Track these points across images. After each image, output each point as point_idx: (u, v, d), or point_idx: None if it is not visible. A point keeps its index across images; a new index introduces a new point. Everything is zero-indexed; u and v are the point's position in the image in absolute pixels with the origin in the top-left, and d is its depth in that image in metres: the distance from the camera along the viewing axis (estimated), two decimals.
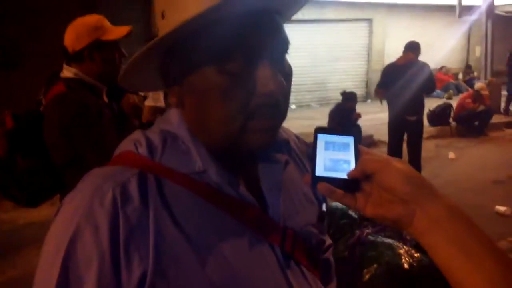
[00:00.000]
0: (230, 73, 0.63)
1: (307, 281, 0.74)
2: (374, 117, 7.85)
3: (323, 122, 7.62)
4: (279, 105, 0.66)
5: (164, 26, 0.65)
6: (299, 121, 9.31)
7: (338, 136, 0.66)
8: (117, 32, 1.99)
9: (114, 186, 0.61)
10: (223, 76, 0.63)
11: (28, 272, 3.28)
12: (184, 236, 0.63)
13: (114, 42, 2.00)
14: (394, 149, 5.58)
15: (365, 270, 2.09)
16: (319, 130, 0.67)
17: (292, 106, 12.17)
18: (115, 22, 2.13)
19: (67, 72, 2.00)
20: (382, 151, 6.07)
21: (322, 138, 0.66)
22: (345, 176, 0.62)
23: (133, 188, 0.62)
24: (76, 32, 1.96)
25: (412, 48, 5.38)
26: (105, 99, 2.07)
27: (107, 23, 2.01)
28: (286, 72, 0.68)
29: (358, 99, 7.66)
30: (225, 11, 0.61)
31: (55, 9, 8.73)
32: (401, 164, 0.60)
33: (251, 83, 0.63)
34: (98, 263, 0.58)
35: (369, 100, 13.18)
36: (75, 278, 0.58)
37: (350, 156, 0.64)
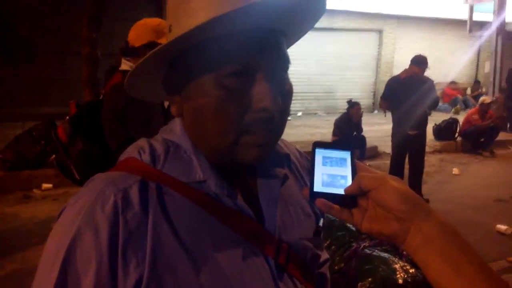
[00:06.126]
0: (226, 87, 0.65)
1: None
2: (380, 128, 7.83)
3: (329, 130, 7.63)
4: (274, 121, 0.67)
5: (170, 38, 0.68)
6: (304, 128, 9.32)
7: (335, 151, 0.68)
8: None
9: (116, 191, 0.63)
10: (219, 89, 0.65)
11: (28, 268, 3.31)
12: (180, 244, 0.64)
13: None
14: (396, 162, 5.56)
15: (359, 284, 2.10)
16: (317, 145, 0.68)
17: (299, 114, 12.17)
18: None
19: (125, 65, 2.28)
20: (386, 163, 6.06)
21: (320, 153, 0.67)
22: (342, 192, 0.63)
23: (134, 194, 0.64)
24: (137, 31, 2.24)
25: (417, 62, 5.35)
26: None
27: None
28: (286, 90, 0.70)
29: (365, 110, 7.66)
30: (225, 27, 0.63)
31: (65, 11, 8.90)
32: (396, 183, 0.61)
33: (247, 98, 0.65)
34: (96, 265, 0.59)
35: (376, 111, 13.17)
36: (73, 279, 0.60)
37: (347, 172, 0.65)
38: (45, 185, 5.55)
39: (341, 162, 0.67)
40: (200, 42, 0.65)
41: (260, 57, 0.65)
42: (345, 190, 0.63)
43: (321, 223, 0.88)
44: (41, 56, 9.49)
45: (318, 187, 0.64)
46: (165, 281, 0.62)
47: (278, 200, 0.78)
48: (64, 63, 9.20)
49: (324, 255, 0.97)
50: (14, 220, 4.61)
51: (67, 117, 2.23)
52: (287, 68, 0.70)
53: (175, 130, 0.75)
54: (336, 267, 2.21)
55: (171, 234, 0.64)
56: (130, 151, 0.73)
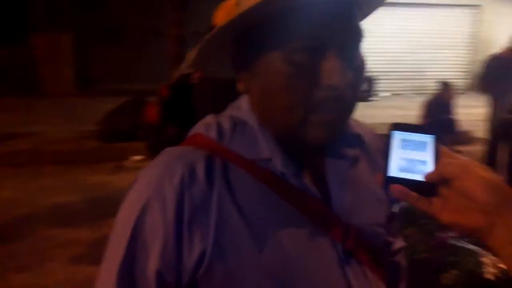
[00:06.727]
0: (294, 63, 0.62)
1: (367, 281, 0.72)
2: (474, 112, 7.29)
3: (417, 112, 7.26)
4: (343, 99, 0.64)
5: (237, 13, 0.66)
6: (391, 110, 8.97)
7: (416, 134, 0.62)
8: None
9: (183, 166, 0.65)
10: (288, 65, 0.63)
11: None
12: (244, 220, 0.64)
13: None
14: (492, 149, 5.17)
15: (443, 275, 2.01)
16: (396, 126, 0.63)
17: (386, 94, 11.74)
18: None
19: None
20: (480, 149, 5.66)
21: (398, 136, 0.62)
22: (420, 178, 0.58)
23: (200, 169, 0.65)
24: (225, 12, 2.17)
25: None
26: None
27: None
28: (357, 65, 0.66)
29: (458, 91, 7.21)
30: (294, 0, 0.61)
31: None
32: (484, 171, 0.56)
33: (316, 74, 0.62)
34: (163, 236, 0.62)
35: (470, 93, 12.32)
36: (142, 248, 0.63)
37: (428, 157, 0.59)
38: (136, 157, 5.91)
39: (421, 146, 0.61)
40: (267, 16, 0.63)
41: (331, 31, 0.62)
42: (424, 177, 0.58)
43: (397, 209, 0.83)
44: (132, 35, 10.04)
45: (394, 171, 0.59)
46: (227, 256, 0.63)
47: (347, 182, 0.75)
48: (153, 42, 9.61)
49: (399, 243, 0.93)
50: (107, 188, 4.99)
51: (160, 100, 2.27)
52: (360, 41, 0.66)
53: (243, 107, 0.74)
54: (417, 256, 2.13)
55: (235, 210, 0.64)
56: (198, 127, 0.74)
